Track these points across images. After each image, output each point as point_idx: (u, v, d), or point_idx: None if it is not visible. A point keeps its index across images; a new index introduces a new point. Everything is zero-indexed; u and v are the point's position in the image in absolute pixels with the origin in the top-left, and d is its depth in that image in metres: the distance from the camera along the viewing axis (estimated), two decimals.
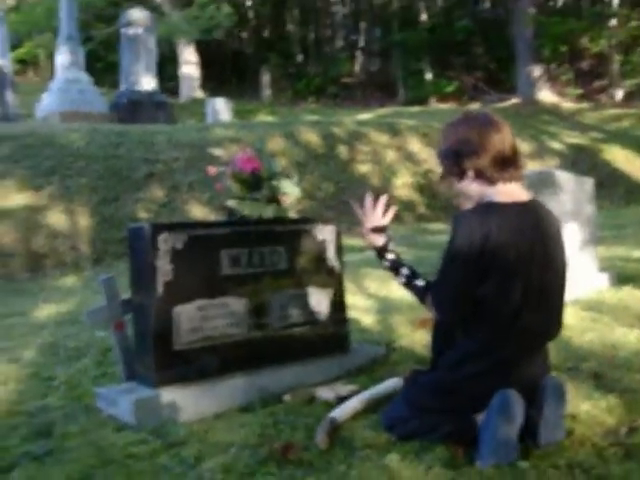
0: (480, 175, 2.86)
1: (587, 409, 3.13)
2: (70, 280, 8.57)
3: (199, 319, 3.57)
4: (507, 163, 2.86)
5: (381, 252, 3.13)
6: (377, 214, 3.14)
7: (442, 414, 2.90)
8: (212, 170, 4.00)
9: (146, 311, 3.50)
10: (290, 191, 3.95)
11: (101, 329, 5.16)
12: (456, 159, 2.89)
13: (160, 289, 3.45)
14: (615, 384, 3.41)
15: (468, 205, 2.95)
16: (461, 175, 2.91)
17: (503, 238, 2.73)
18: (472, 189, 2.91)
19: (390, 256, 3.11)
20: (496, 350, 2.80)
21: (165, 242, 3.47)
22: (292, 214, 4.05)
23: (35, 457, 3.15)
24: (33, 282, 8.53)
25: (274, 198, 3.93)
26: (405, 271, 3.06)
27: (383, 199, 3.16)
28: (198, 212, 10.23)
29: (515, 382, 2.76)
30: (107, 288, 3.78)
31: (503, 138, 2.86)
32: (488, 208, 2.82)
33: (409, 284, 3.05)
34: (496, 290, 2.77)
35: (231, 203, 3.86)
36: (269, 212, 3.88)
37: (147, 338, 3.51)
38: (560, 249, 2.91)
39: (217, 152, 11.36)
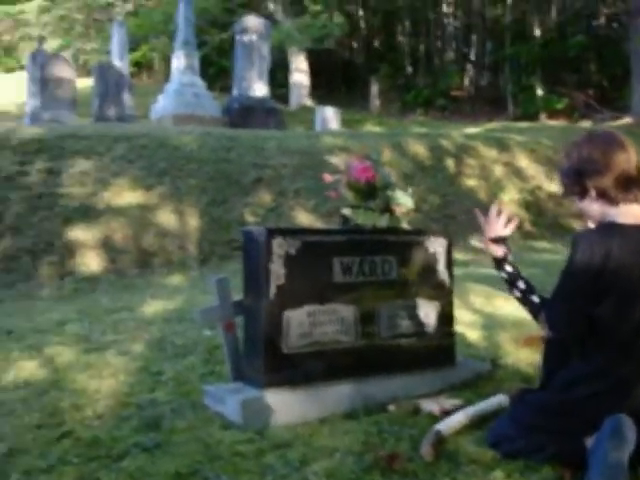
0: (602, 195, 2.82)
1: None
2: (177, 278, 8.75)
3: (308, 324, 3.61)
4: (631, 184, 2.81)
5: (500, 263, 3.12)
6: (499, 224, 3.13)
7: (550, 434, 2.87)
8: (328, 177, 4.04)
9: (257, 314, 3.56)
10: (404, 202, 3.97)
11: (208, 328, 5.27)
12: (578, 178, 2.86)
13: (272, 293, 3.50)
14: None
15: (590, 225, 2.91)
16: (583, 194, 2.88)
17: (624, 259, 2.69)
18: (593, 209, 2.88)
19: (508, 268, 3.09)
20: (611, 373, 2.76)
21: (279, 247, 3.52)
22: (405, 225, 4.06)
23: (145, 448, 3.24)
24: (141, 278, 8.74)
25: (388, 208, 3.95)
26: (521, 285, 3.04)
27: (506, 210, 3.15)
28: (304, 218, 10.32)
29: (628, 406, 2.71)
30: (220, 289, 3.85)
31: (629, 158, 2.81)
32: (609, 229, 2.78)
33: (524, 298, 3.03)
34: (614, 311, 2.73)
35: (345, 211, 3.89)
36: (383, 222, 3.91)
37: (257, 340, 3.57)
38: None
39: (333, 160, 11.43)
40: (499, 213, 3.16)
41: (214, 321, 3.96)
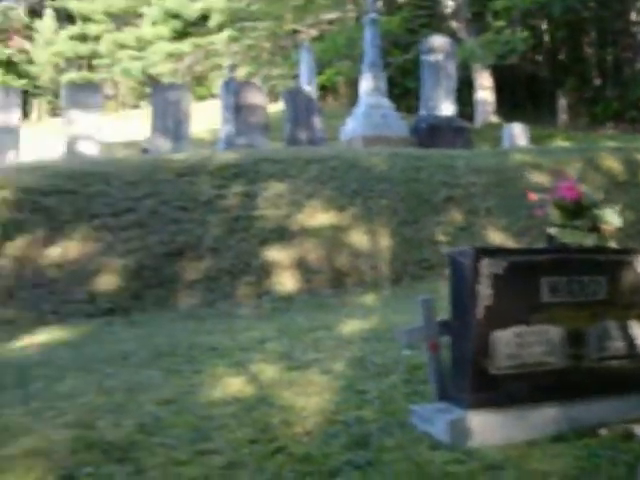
0: None
1: None
2: (370, 298, 8.85)
3: (516, 345, 3.59)
4: None
5: None
6: None
7: None
8: (533, 196, 4.02)
9: (465, 334, 3.58)
10: (612, 220, 3.89)
11: (407, 348, 5.31)
12: None
13: (480, 313, 3.51)
14: None
15: None
16: None
17: None
18: None
19: None
20: None
21: (487, 267, 3.53)
22: (612, 244, 3.97)
23: (357, 466, 3.32)
24: (335, 298, 8.90)
25: (595, 227, 3.88)
26: None
27: None
28: (496, 237, 10.22)
29: None
30: (425, 309, 3.89)
31: None
32: None
33: None
34: None
35: (552, 231, 3.85)
36: (590, 241, 3.84)
37: (464, 360, 3.58)
38: None
39: (532, 179, 11.28)
40: None
41: (419, 341, 4.00)
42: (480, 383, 3.56)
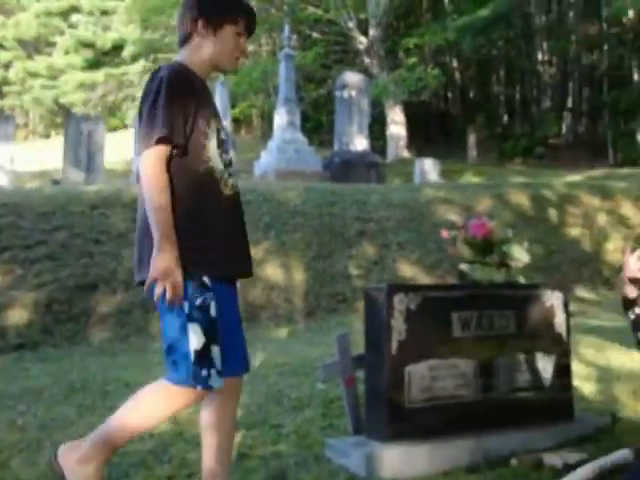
0: None
1: None
2: (284, 331, 8.89)
3: (429, 379, 3.68)
4: None
5: (630, 304, 3.13)
6: (637, 266, 3.14)
7: None
8: (445, 234, 4.13)
9: (380, 368, 3.65)
10: (520, 256, 4.03)
11: (322, 382, 5.35)
12: None
13: (394, 348, 3.59)
14: None
15: None
16: None
17: None
18: None
19: (638, 310, 3.10)
20: None
21: (400, 302, 3.62)
22: (521, 279, 4.11)
23: None
24: (249, 332, 8.80)
25: (504, 263, 4.01)
26: None
27: None
28: (408, 271, 10.38)
29: None
30: (341, 344, 3.96)
31: None
32: None
33: None
34: None
35: (463, 267, 3.97)
36: (499, 276, 3.97)
37: (380, 394, 3.65)
38: None
39: (453, 217, 11.49)
40: None
41: (336, 376, 4.06)
42: (395, 416, 3.63)
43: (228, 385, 2.97)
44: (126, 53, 35.14)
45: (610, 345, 6.26)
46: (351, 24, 29.23)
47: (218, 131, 2.95)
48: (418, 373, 3.65)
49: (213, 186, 2.91)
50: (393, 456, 3.55)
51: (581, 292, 10.80)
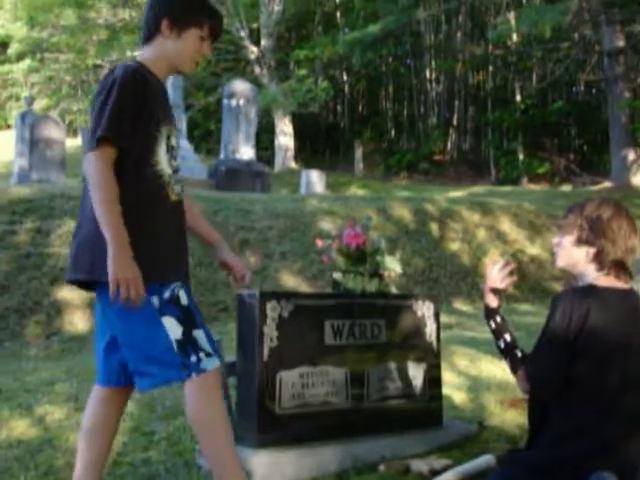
0: (599, 259, 2.96)
1: None
2: None
3: (300, 386, 3.71)
4: (625, 266, 2.97)
5: (492, 312, 3.22)
6: (498, 277, 3.23)
7: None
8: (319, 243, 4.17)
9: (251, 375, 3.65)
10: (392, 267, 4.10)
11: None
12: (592, 234, 2.97)
13: (266, 355, 3.61)
14: None
15: (575, 283, 3.04)
16: (584, 244, 2.99)
17: (602, 320, 2.82)
18: (579, 260, 3.00)
19: (498, 319, 3.19)
20: (592, 432, 2.84)
21: (273, 310, 3.64)
22: (393, 289, 4.19)
23: None
24: None
25: (377, 273, 4.08)
26: (507, 337, 3.14)
27: (510, 266, 3.25)
28: (290, 281, 10.42)
29: (612, 465, 2.77)
30: None
31: (635, 244, 2.98)
32: (589, 290, 2.91)
33: (507, 351, 3.13)
34: (592, 371, 2.83)
35: (336, 276, 4.02)
36: (372, 286, 4.03)
37: (251, 401, 3.66)
38: None
39: (325, 225, 11.57)
40: (505, 265, 3.26)
41: None
42: (266, 423, 3.64)
43: (115, 395, 2.97)
44: (11, 51, 34.25)
45: (483, 356, 6.43)
46: (243, 33, 29.25)
47: (168, 137, 2.94)
48: (289, 380, 3.67)
49: (160, 191, 2.90)
50: (262, 463, 3.55)
51: (459, 305, 11.04)
